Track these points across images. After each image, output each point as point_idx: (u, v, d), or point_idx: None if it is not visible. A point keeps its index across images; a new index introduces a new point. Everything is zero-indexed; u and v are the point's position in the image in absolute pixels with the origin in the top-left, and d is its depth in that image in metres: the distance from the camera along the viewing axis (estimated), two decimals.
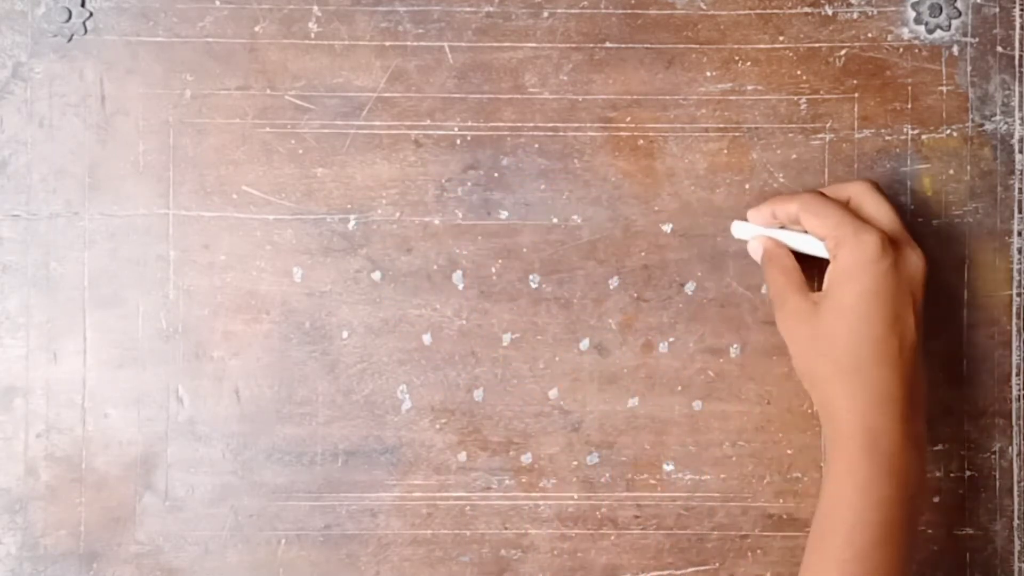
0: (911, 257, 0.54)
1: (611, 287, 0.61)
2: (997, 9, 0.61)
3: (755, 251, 0.58)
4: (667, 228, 0.61)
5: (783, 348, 0.58)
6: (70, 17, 0.60)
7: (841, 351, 0.53)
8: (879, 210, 0.55)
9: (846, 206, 0.55)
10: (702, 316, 0.61)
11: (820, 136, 0.61)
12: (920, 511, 0.52)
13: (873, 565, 0.50)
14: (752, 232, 0.58)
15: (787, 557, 0.60)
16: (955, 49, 0.61)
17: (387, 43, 0.61)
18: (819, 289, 0.57)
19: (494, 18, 0.61)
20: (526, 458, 0.61)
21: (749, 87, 0.61)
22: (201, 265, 0.60)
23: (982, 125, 0.61)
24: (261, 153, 0.60)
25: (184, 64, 0.60)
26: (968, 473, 0.61)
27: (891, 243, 0.53)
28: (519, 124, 0.61)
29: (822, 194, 0.56)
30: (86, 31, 0.60)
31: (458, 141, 0.61)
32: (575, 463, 0.61)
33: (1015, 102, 0.61)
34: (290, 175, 0.60)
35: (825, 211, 0.54)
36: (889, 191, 0.61)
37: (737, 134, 0.61)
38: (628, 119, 0.61)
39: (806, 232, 0.56)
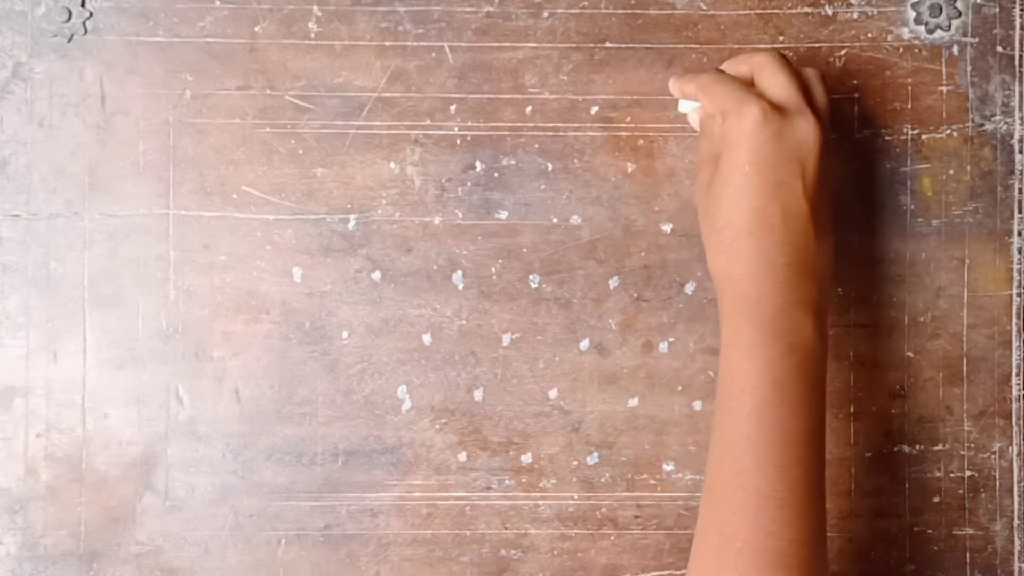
0: (800, 125, 0.52)
1: (611, 287, 0.61)
2: (997, 9, 0.61)
3: (694, 122, 0.58)
4: (667, 228, 0.61)
5: None
6: (70, 17, 0.60)
7: (722, 223, 0.53)
8: (773, 80, 0.54)
9: (741, 80, 0.55)
10: (702, 316, 0.61)
11: None
12: (815, 371, 0.52)
13: (767, 423, 0.50)
14: (691, 105, 0.58)
15: None
16: (955, 49, 0.61)
17: (387, 43, 0.61)
18: None
19: (494, 18, 0.61)
20: (526, 458, 0.61)
21: None
22: (201, 265, 0.60)
23: (982, 125, 0.61)
24: (261, 153, 0.60)
25: (184, 64, 0.60)
26: (968, 473, 0.61)
27: (778, 112, 0.52)
28: (519, 124, 0.61)
29: (720, 71, 0.55)
30: (86, 31, 0.60)
31: (458, 141, 0.61)
32: (575, 463, 0.61)
33: (1015, 102, 0.61)
34: (290, 175, 0.60)
35: (714, 88, 0.54)
36: (889, 191, 0.61)
37: None
38: (628, 119, 0.61)
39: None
